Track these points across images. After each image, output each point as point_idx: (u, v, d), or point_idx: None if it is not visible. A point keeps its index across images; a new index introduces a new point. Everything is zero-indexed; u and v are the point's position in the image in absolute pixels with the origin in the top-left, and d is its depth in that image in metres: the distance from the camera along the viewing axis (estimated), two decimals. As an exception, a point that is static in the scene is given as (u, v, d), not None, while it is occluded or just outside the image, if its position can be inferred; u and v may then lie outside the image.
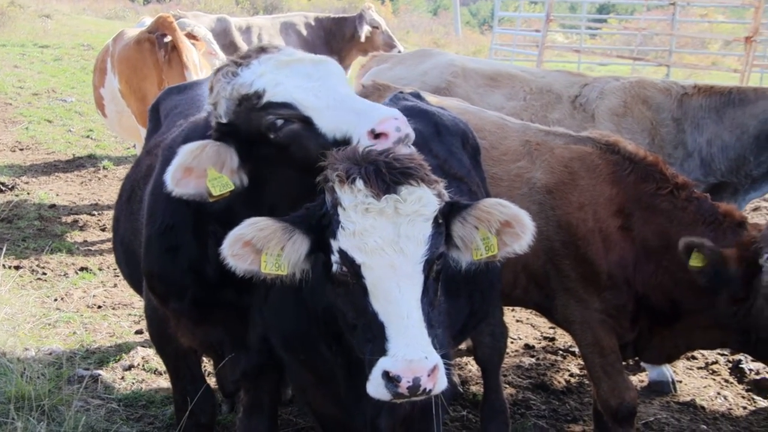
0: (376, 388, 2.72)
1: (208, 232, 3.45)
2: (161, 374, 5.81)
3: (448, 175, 4.21)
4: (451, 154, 4.45)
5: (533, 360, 6.77)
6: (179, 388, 4.28)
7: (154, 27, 8.72)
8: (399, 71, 7.39)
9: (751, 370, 6.65)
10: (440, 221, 2.90)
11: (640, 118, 6.41)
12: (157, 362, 5.87)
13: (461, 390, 5.96)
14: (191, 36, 9.24)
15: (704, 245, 4.21)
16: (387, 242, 2.74)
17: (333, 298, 2.94)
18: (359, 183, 2.77)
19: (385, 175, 2.79)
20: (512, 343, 7.08)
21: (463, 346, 6.42)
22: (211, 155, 3.14)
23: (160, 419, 5.20)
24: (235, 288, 3.39)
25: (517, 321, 7.66)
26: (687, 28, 23.75)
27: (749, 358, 6.88)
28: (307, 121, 3.09)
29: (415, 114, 4.61)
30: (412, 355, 2.66)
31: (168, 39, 8.50)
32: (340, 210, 2.79)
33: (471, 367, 6.34)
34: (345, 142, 3.01)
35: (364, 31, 12.75)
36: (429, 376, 2.66)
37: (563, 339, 7.13)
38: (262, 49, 3.31)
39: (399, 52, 13.02)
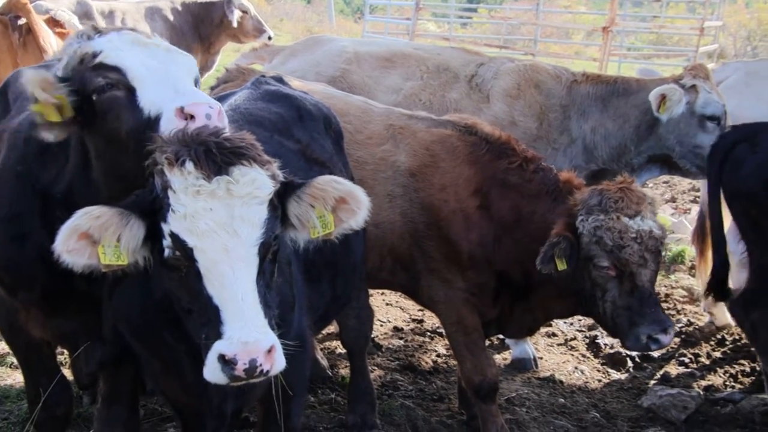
0: (212, 372, 2.69)
1: (56, 219, 3.33)
2: (17, 368, 5.56)
3: (310, 160, 4.22)
4: (313, 138, 4.45)
5: (402, 342, 6.88)
6: (32, 380, 4.12)
7: (6, 8, 8.31)
8: (292, 65, 7.12)
9: (606, 344, 6.98)
10: (275, 203, 2.87)
11: (531, 102, 6.46)
12: (13, 356, 5.63)
13: (329, 373, 6.00)
14: (54, 21, 8.85)
15: (554, 250, 4.34)
16: (219, 225, 2.70)
17: (168, 284, 2.88)
18: (189, 165, 2.72)
19: (215, 155, 2.74)
20: (381, 325, 7.18)
21: (333, 329, 6.46)
22: (37, 79, 3.04)
23: (15, 414, 4.99)
24: (86, 277, 3.30)
25: (387, 304, 7.77)
26: (552, 18, 24.57)
27: (605, 333, 7.21)
28: (130, 91, 3.04)
29: (278, 98, 4.58)
30: (247, 336, 2.64)
31: (22, 21, 8.12)
32: (170, 193, 2.72)
33: (340, 350, 6.38)
34: (156, 121, 2.95)
35: (236, 15, 12.54)
36: (266, 357, 2.66)
37: (431, 321, 7.26)
38: (130, 29, 3.27)
39: (269, 37, 12.93)
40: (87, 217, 2.72)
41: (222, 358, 2.65)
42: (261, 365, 2.66)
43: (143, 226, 2.80)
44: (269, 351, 2.68)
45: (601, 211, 4.34)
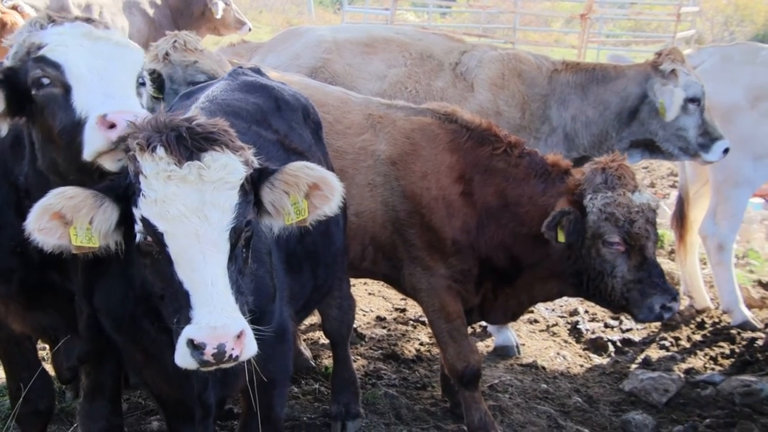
0: (182, 357, 2.69)
1: (26, 209, 3.31)
2: (-2, 364, 5.54)
3: (289, 150, 4.21)
4: (291, 129, 4.44)
5: (385, 331, 6.90)
6: (13, 375, 4.10)
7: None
8: (271, 61, 6.98)
9: (587, 330, 7.04)
10: (248, 189, 2.88)
11: (515, 92, 6.46)
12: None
13: (313, 364, 6.01)
14: (18, 12, 8.75)
15: (562, 218, 4.42)
16: (190, 210, 2.70)
17: (142, 270, 2.89)
18: (160, 150, 2.72)
19: (186, 141, 2.75)
20: (364, 315, 7.20)
21: (316, 320, 6.47)
22: None
23: (-3, 409, 4.97)
24: (61, 271, 3.28)
25: (369, 294, 7.79)
26: (530, 6, 24.60)
27: (586, 318, 7.29)
28: (66, 90, 3.03)
29: (256, 89, 4.56)
30: (215, 321, 2.64)
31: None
32: (141, 178, 2.73)
33: (323, 341, 6.39)
34: (85, 123, 2.94)
35: (220, 6, 12.39)
36: (235, 341, 2.66)
37: (414, 310, 7.28)
38: (87, 19, 3.23)
39: (249, 29, 12.84)
40: (60, 197, 2.73)
41: (191, 343, 2.65)
42: (231, 350, 2.66)
43: (117, 210, 2.82)
44: (239, 336, 2.68)
45: (608, 189, 4.46)
